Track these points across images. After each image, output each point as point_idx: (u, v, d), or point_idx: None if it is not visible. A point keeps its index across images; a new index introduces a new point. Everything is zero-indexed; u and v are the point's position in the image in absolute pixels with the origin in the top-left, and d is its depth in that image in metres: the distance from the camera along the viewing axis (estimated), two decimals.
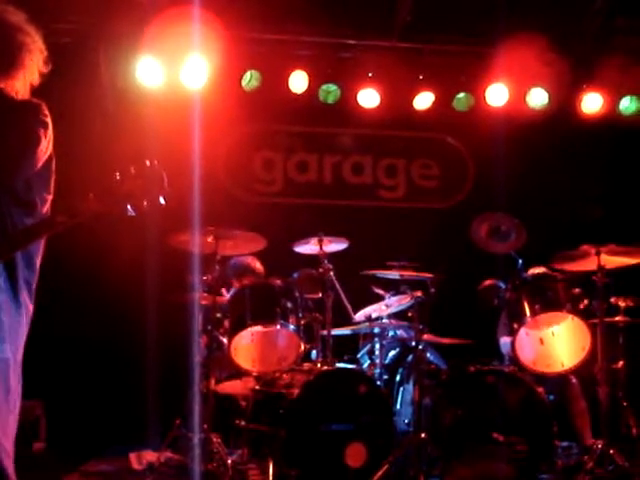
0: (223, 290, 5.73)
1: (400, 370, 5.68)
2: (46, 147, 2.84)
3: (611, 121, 7.29)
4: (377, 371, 5.57)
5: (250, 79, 6.82)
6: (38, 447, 5.98)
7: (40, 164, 2.83)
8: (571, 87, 7.20)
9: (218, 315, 5.26)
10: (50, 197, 2.92)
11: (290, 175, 7.61)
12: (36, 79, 2.94)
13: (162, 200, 2.68)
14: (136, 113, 6.58)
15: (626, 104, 7.29)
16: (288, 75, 6.90)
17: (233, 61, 6.58)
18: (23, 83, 2.91)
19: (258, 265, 6.01)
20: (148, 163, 2.68)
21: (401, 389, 5.61)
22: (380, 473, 4.78)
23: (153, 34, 6.22)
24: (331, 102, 7.16)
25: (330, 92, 7.14)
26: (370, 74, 7.05)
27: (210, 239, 5.26)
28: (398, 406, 5.58)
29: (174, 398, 5.40)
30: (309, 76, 6.93)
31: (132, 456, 5.70)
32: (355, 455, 4.84)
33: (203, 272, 5.28)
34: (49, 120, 2.88)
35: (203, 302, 5.26)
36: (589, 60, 7.05)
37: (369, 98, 7.10)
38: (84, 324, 6.50)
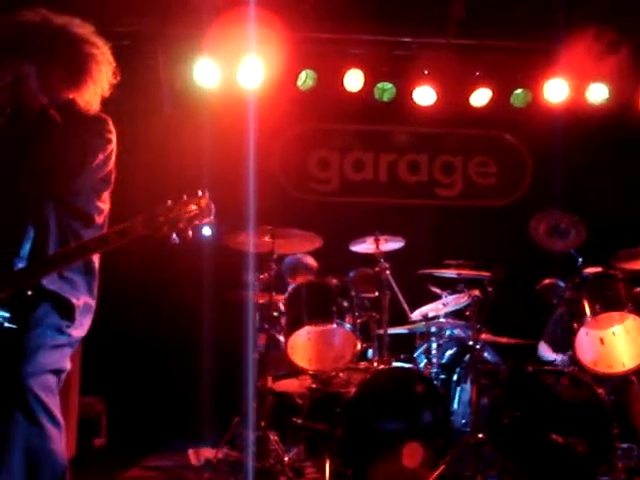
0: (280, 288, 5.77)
1: (457, 370, 5.63)
2: (104, 162, 2.92)
3: None
4: (434, 370, 5.54)
5: (305, 78, 6.85)
6: (99, 443, 6.10)
7: (96, 178, 2.92)
8: (633, 82, 7.04)
9: (275, 314, 5.31)
10: (105, 206, 3.01)
11: (346, 174, 7.62)
12: (106, 90, 3.01)
13: (209, 231, 2.74)
14: (194, 114, 6.66)
15: None
16: (343, 74, 6.90)
17: (288, 61, 6.60)
18: (93, 94, 2.98)
19: (311, 261, 6.04)
20: (200, 193, 2.73)
21: (458, 389, 5.57)
22: (437, 473, 4.75)
23: (210, 35, 6.29)
24: (387, 100, 7.15)
25: (386, 90, 7.12)
26: (426, 71, 7.01)
27: (267, 238, 5.32)
28: (455, 406, 5.53)
29: (233, 396, 5.45)
30: (364, 74, 6.92)
31: (191, 452, 5.79)
32: (412, 455, 4.81)
33: (260, 271, 5.34)
34: (112, 136, 2.96)
35: (260, 301, 5.31)
36: None
37: (425, 96, 7.06)
38: (144, 323, 6.61)
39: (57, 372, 2.82)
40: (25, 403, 2.68)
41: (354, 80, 6.94)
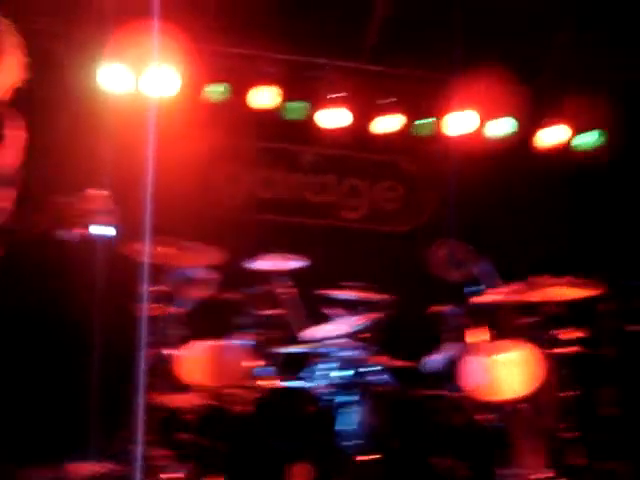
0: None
1: (350, 391, 5.65)
2: None
3: (570, 154, 7.39)
4: (327, 391, 5.53)
5: (216, 92, 6.81)
6: None
7: None
8: (533, 119, 7.30)
9: (168, 327, 5.23)
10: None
11: (253, 190, 7.58)
12: (16, 81, 2.92)
13: (109, 232, 2.70)
14: (99, 119, 6.51)
15: (585, 139, 7.37)
16: (255, 90, 6.90)
17: (199, 73, 6.56)
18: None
19: (209, 276, 5.96)
20: (97, 192, 2.68)
21: (350, 410, 5.58)
22: None
23: (119, 41, 6.19)
24: (296, 119, 7.17)
25: (296, 109, 7.14)
26: (337, 94, 7.07)
27: (167, 250, 5.24)
28: (346, 427, 5.54)
29: (120, 410, 5.32)
30: (275, 92, 6.93)
31: (70, 466, 5.59)
32: (301, 475, 4.81)
33: (155, 283, 5.26)
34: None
35: (153, 313, 5.21)
36: (552, 93, 7.16)
37: (335, 118, 7.12)
38: (29, 329, 6.37)
39: None
40: None
41: (265, 97, 6.95)
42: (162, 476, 4.85)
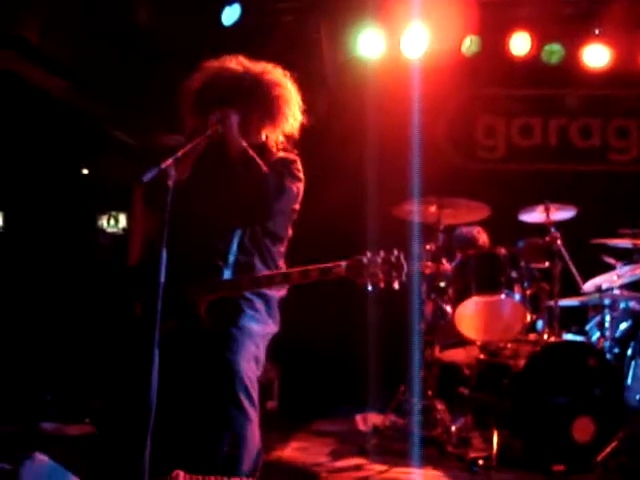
0: (444, 260, 5.72)
1: (632, 344, 5.40)
2: (295, 197, 3.28)
3: None
4: (607, 344, 5.34)
5: (470, 44, 6.70)
6: (271, 405, 6.34)
7: (288, 209, 3.29)
8: None
9: (442, 284, 5.31)
10: (289, 232, 3.39)
11: (513, 140, 7.41)
12: (296, 126, 3.34)
13: (397, 286, 2.97)
14: (357, 87, 6.68)
15: None
16: (509, 37, 6.71)
17: (452, 27, 6.49)
18: (283, 130, 3.33)
19: (484, 237, 5.94)
20: (396, 253, 2.98)
21: (632, 363, 5.35)
22: (609, 449, 4.60)
23: (374, 5, 6.29)
24: (555, 62, 6.86)
25: (554, 52, 6.83)
26: (597, 31, 6.68)
27: (433, 209, 5.32)
28: (629, 381, 5.32)
29: (400, 365, 5.50)
30: (531, 37, 6.69)
31: (358, 417, 5.92)
32: (583, 430, 4.69)
33: (426, 241, 5.37)
34: (302, 175, 3.30)
35: (427, 271, 5.32)
36: None
37: (596, 56, 6.72)
38: (309, 298, 6.71)
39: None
40: None
41: (520, 43, 6.73)
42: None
